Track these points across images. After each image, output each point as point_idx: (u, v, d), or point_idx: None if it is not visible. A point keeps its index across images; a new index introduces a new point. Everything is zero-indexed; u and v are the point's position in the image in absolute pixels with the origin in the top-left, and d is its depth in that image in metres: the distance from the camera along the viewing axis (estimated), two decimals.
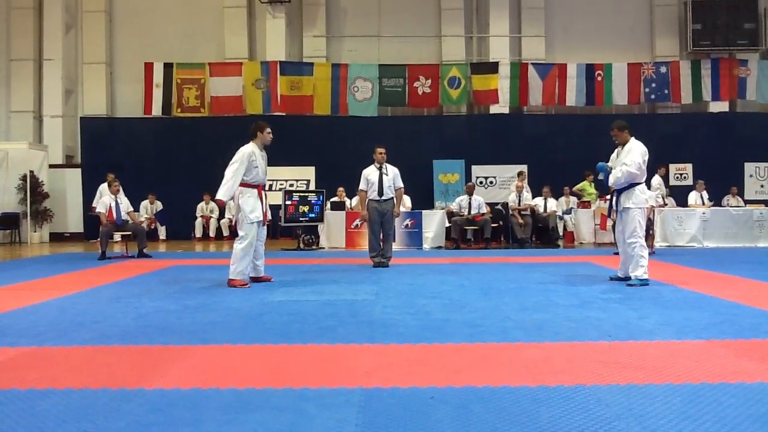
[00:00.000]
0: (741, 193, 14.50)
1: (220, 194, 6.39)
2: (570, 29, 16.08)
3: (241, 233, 6.39)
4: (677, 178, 15.02)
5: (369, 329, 4.20)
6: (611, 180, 6.41)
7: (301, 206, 11.38)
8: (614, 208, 6.60)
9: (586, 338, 3.88)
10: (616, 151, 6.64)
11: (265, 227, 6.71)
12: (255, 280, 6.54)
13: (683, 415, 2.50)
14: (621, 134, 6.51)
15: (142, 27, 16.02)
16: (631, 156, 6.30)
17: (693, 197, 12.45)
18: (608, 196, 7.50)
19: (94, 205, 12.55)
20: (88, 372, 3.20)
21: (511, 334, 4.01)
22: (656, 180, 12.23)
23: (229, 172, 6.34)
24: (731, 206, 12.88)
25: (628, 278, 6.36)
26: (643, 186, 6.44)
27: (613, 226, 10.31)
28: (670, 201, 13.19)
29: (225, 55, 15.59)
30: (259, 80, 14.91)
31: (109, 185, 10.30)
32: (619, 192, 6.43)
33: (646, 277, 6.19)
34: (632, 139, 6.47)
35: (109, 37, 16.06)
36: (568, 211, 13.25)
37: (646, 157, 6.36)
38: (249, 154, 6.38)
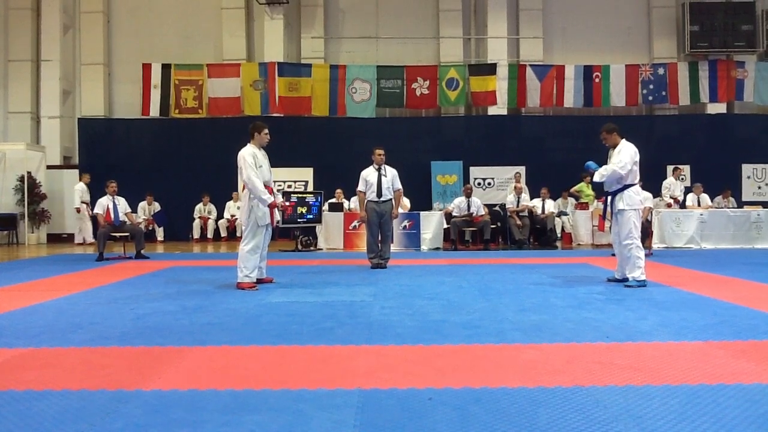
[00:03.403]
0: (738, 195, 14.53)
1: (266, 198, 6.29)
2: (568, 31, 16.10)
3: (247, 235, 6.38)
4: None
5: (367, 330, 4.20)
6: (596, 177, 6.42)
7: (299, 207, 11.39)
8: (609, 209, 6.61)
9: (584, 339, 3.88)
10: (609, 153, 6.65)
11: (271, 229, 6.69)
12: (258, 281, 6.52)
13: (681, 417, 2.50)
14: (610, 137, 6.53)
15: (140, 28, 16.01)
16: (619, 156, 6.33)
17: (691, 199, 12.46)
18: (602, 197, 7.52)
19: (76, 206, 12.75)
20: (85, 373, 3.20)
21: (509, 336, 4.01)
22: (667, 181, 12.29)
23: (249, 178, 6.23)
24: (727, 207, 12.88)
25: (625, 279, 6.37)
26: (637, 187, 6.44)
27: (611, 228, 10.32)
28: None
29: (223, 56, 15.59)
30: (257, 81, 14.91)
31: (107, 187, 10.25)
32: (614, 194, 6.45)
33: (643, 278, 6.20)
34: (622, 141, 6.48)
35: (107, 38, 16.04)
36: (565, 213, 13.25)
37: (637, 158, 6.36)
38: (251, 154, 6.38)
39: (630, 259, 6.26)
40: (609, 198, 6.57)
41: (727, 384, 2.91)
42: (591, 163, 6.60)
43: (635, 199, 6.35)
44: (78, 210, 12.86)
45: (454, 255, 10.46)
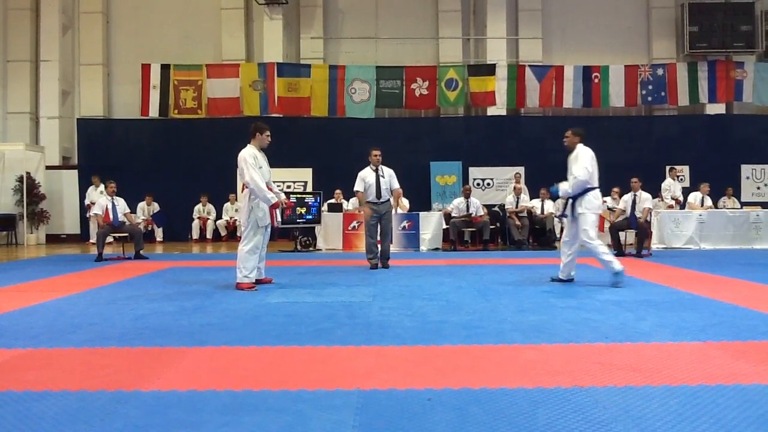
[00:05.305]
0: (738, 195, 14.52)
1: (270, 198, 6.30)
2: (567, 31, 16.10)
3: (246, 235, 6.38)
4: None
5: (366, 331, 4.20)
6: (562, 194, 6.60)
7: (298, 208, 11.38)
8: (568, 213, 6.71)
9: (583, 340, 3.88)
10: (568, 158, 6.74)
11: (269, 230, 6.67)
12: (257, 282, 6.51)
13: (680, 417, 2.50)
14: (572, 138, 6.67)
15: (139, 28, 16.00)
16: (577, 164, 6.45)
17: (693, 197, 12.39)
18: (605, 198, 7.58)
19: (87, 202, 12.57)
20: (84, 374, 3.19)
21: (508, 336, 4.01)
22: (666, 182, 12.28)
23: (252, 179, 6.22)
24: (727, 208, 12.87)
25: (570, 280, 6.62)
26: (597, 192, 6.56)
27: (610, 228, 10.33)
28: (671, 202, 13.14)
29: (222, 56, 15.58)
30: (257, 82, 14.91)
31: (106, 187, 10.27)
32: (574, 198, 6.56)
33: (620, 267, 6.30)
34: (579, 146, 6.61)
35: (106, 39, 16.04)
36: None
37: (595, 162, 6.49)
38: (251, 155, 6.37)
39: (598, 256, 6.42)
40: (569, 201, 6.66)
41: (726, 384, 2.91)
42: (554, 188, 6.78)
43: (594, 203, 6.51)
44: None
45: (454, 255, 10.45)
